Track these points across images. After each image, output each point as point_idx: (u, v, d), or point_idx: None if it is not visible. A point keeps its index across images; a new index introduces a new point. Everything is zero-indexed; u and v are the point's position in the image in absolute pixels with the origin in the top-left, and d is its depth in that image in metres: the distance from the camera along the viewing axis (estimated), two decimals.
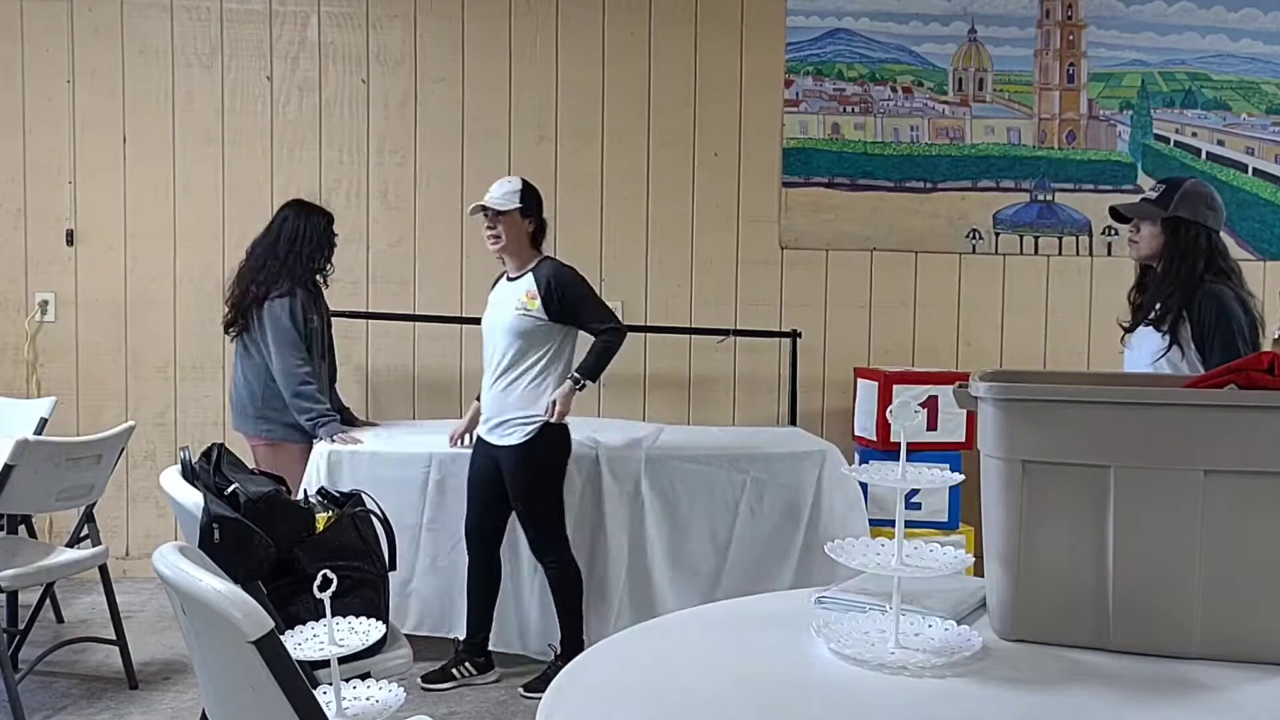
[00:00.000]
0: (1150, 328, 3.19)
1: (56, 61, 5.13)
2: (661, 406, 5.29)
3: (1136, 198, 3.76)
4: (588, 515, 4.10)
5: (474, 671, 3.93)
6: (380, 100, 5.22)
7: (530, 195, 3.83)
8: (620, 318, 3.98)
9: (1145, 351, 3.18)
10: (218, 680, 1.70)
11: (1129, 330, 3.30)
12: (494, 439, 3.82)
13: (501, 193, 3.80)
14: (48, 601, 4.27)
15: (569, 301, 3.77)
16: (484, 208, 3.79)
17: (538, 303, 3.74)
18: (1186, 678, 1.51)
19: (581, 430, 4.06)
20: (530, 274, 3.80)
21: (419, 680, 3.88)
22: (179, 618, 1.67)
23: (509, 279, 3.88)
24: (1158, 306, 3.19)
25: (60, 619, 4.45)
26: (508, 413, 3.78)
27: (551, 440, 3.78)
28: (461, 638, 3.99)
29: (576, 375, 3.76)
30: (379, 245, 5.22)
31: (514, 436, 3.75)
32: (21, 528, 4.17)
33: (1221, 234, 3.30)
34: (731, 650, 1.65)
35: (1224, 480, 1.52)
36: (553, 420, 3.73)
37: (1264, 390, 1.55)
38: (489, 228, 3.81)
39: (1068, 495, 1.58)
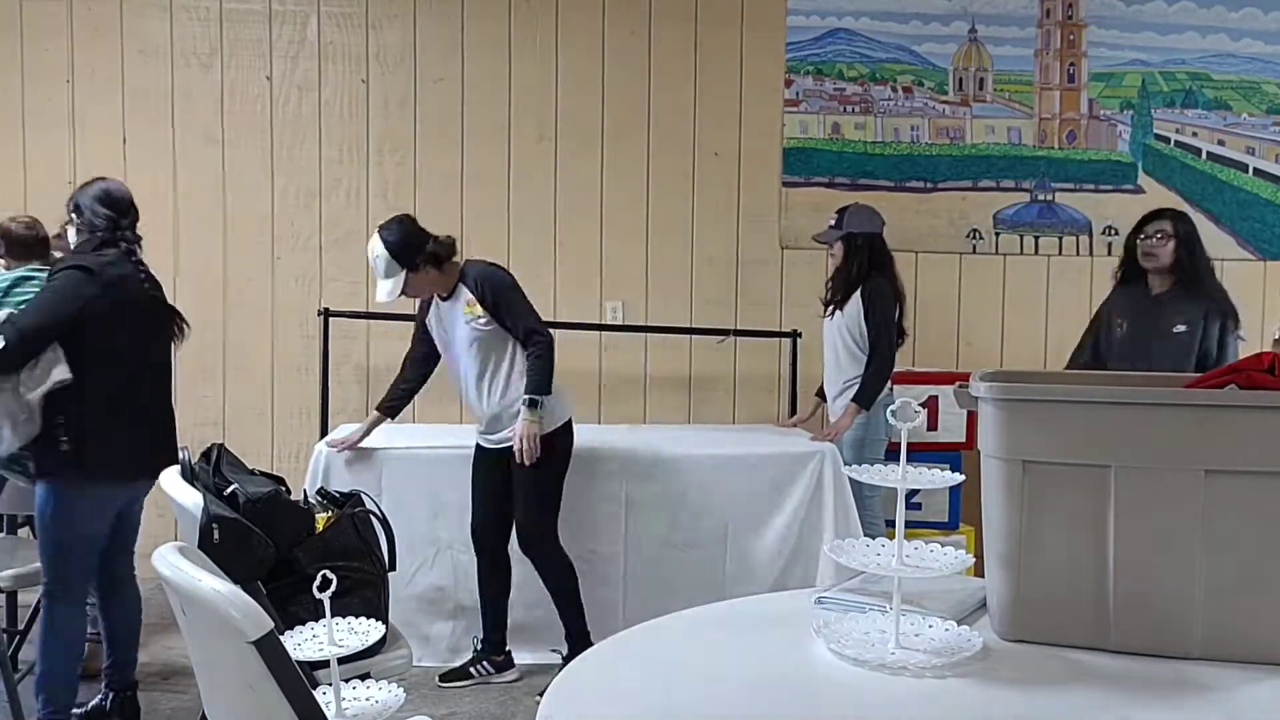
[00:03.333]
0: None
1: (56, 61, 5.13)
2: (661, 406, 5.29)
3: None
4: (585, 518, 4.10)
5: (492, 670, 3.93)
6: (380, 100, 5.22)
7: (403, 250, 3.66)
8: (545, 331, 3.76)
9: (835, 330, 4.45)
10: (218, 680, 1.70)
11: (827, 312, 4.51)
12: (493, 444, 3.83)
13: (381, 272, 3.68)
14: None
15: (495, 297, 3.71)
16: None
17: (478, 307, 3.71)
18: (1186, 678, 1.50)
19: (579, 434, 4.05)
20: (461, 285, 3.76)
21: (436, 679, 3.89)
22: (179, 618, 1.67)
23: (441, 299, 3.83)
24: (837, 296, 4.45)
25: None
26: (501, 416, 3.78)
27: (551, 431, 3.77)
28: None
29: (529, 398, 3.65)
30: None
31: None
32: (25, 529, 4.17)
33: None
34: (731, 650, 1.64)
35: (1224, 480, 1.52)
36: (528, 462, 3.65)
37: (1264, 390, 1.55)
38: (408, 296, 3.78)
39: (1068, 495, 1.58)
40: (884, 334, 4.33)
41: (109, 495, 3.30)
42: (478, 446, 3.90)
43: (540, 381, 3.67)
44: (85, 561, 3.29)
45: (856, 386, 4.33)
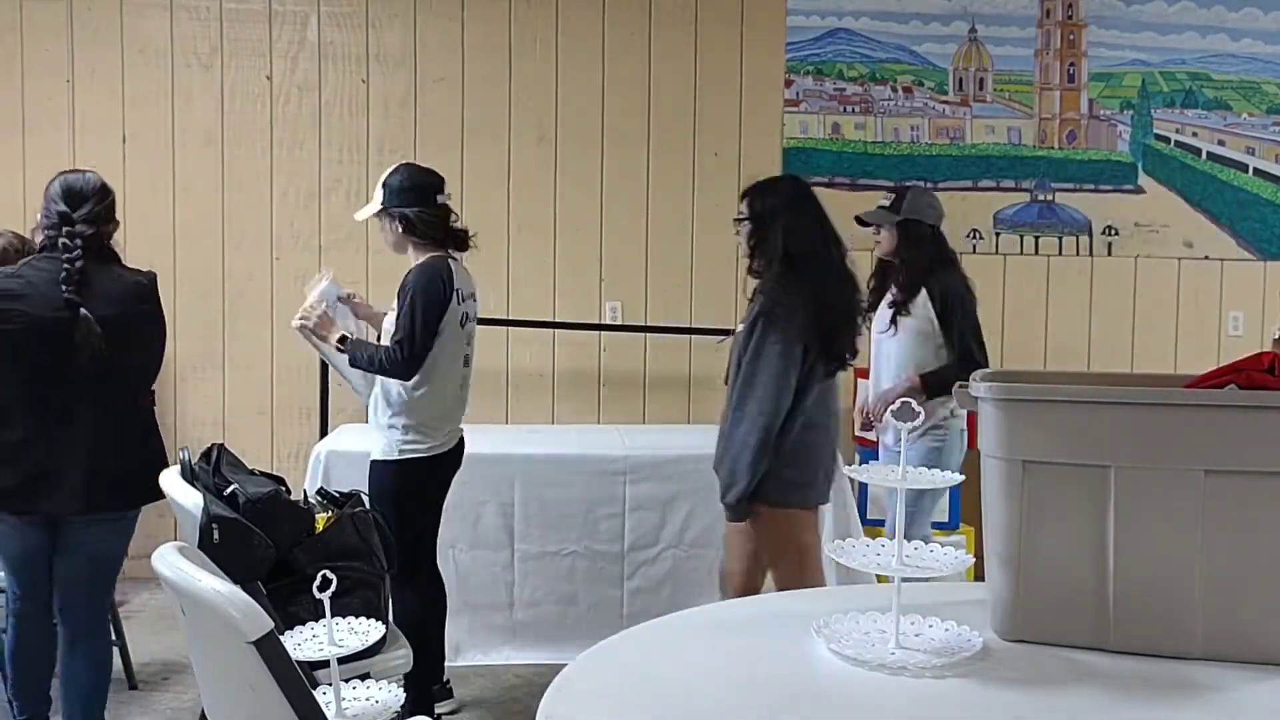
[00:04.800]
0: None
1: (56, 61, 5.13)
2: (661, 406, 5.29)
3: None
4: (585, 518, 4.10)
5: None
6: (380, 100, 5.22)
7: (388, 188, 3.34)
8: (401, 354, 3.25)
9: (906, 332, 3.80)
10: (217, 680, 1.70)
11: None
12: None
13: (375, 194, 3.40)
14: None
15: (401, 295, 3.32)
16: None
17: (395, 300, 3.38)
18: (1187, 678, 1.50)
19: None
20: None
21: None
22: (179, 618, 1.67)
23: None
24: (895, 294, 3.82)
25: None
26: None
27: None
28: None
29: (350, 341, 3.34)
30: (378, 245, 5.19)
31: None
32: None
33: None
34: (731, 650, 1.64)
35: (1224, 480, 1.52)
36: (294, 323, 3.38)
37: (1264, 390, 1.55)
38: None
39: (1068, 495, 1.58)
40: (973, 337, 3.72)
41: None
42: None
43: (366, 357, 3.30)
44: None
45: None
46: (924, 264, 3.74)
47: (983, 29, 5.42)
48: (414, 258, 3.39)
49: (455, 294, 3.35)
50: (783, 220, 3.08)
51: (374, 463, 3.37)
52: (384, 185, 3.37)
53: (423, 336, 3.25)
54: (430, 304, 3.27)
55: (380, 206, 3.37)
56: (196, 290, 5.14)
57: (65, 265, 2.88)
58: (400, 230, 3.36)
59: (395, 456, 3.33)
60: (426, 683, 3.40)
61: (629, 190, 5.28)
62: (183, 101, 5.17)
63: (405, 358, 3.24)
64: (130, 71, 5.15)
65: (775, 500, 3.03)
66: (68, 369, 2.88)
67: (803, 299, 2.99)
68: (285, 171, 5.20)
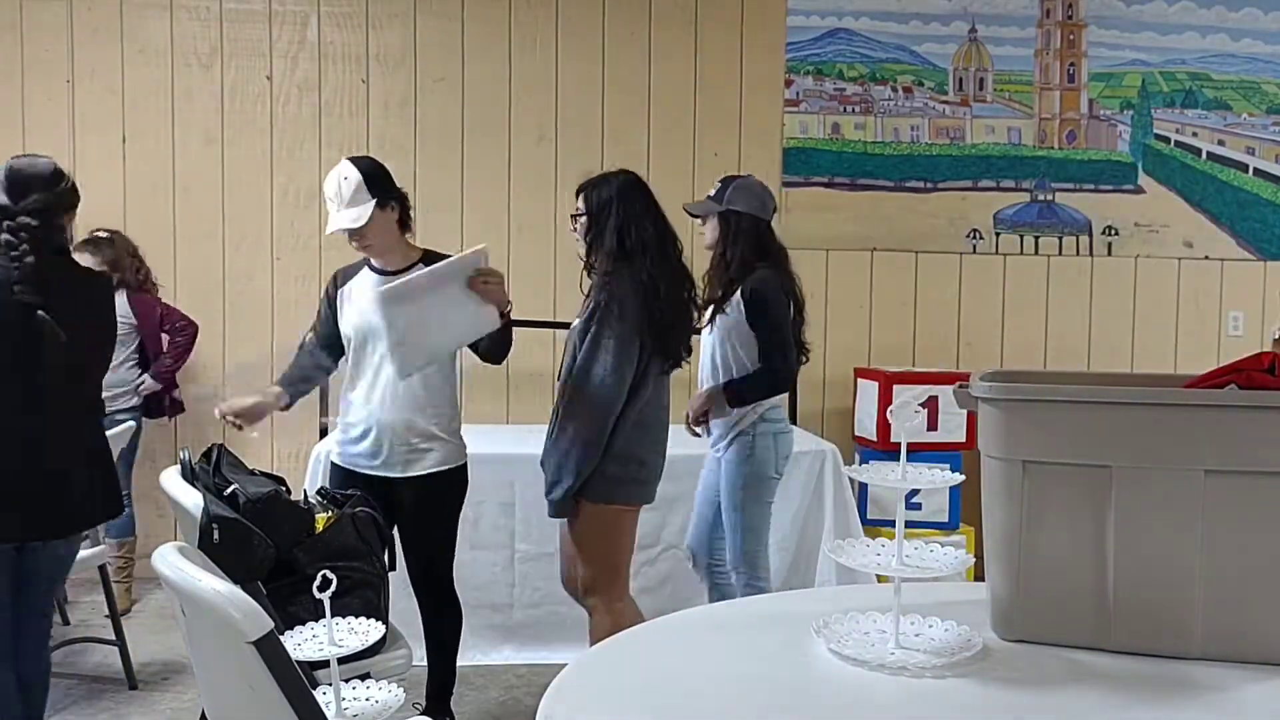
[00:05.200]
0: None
1: (56, 61, 5.13)
2: None
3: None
4: None
5: None
6: (380, 100, 5.22)
7: (374, 177, 3.04)
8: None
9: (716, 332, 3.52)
10: (217, 680, 1.70)
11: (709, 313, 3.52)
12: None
13: (346, 198, 3.00)
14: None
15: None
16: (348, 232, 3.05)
17: None
18: (1186, 678, 1.50)
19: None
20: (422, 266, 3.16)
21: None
22: (179, 618, 1.67)
23: (378, 271, 3.17)
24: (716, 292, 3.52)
25: (66, 620, 4.44)
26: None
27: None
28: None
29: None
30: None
31: None
32: None
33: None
34: (732, 650, 1.64)
35: (1224, 480, 1.52)
36: None
37: (1264, 390, 1.55)
38: (356, 243, 3.11)
39: (1068, 495, 1.58)
40: (775, 339, 3.41)
41: None
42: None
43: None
44: None
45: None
46: (741, 259, 3.47)
47: (983, 29, 5.42)
48: (403, 249, 3.15)
49: None
50: (616, 216, 3.01)
51: (437, 474, 3.14)
52: (365, 179, 3.01)
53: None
54: None
55: (372, 200, 3.01)
56: (196, 290, 5.14)
57: (15, 265, 2.56)
58: (398, 218, 3.12)
59: (462, 461, 3.22)
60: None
61: None
62: (183, 101, 5.17)
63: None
64: (130, 71, 5.16)
65: (599, 496, 2.99)
66: (25, 375, 2.61)
67: (636, 295, 2.92)
68: (285, 171, 5.20)
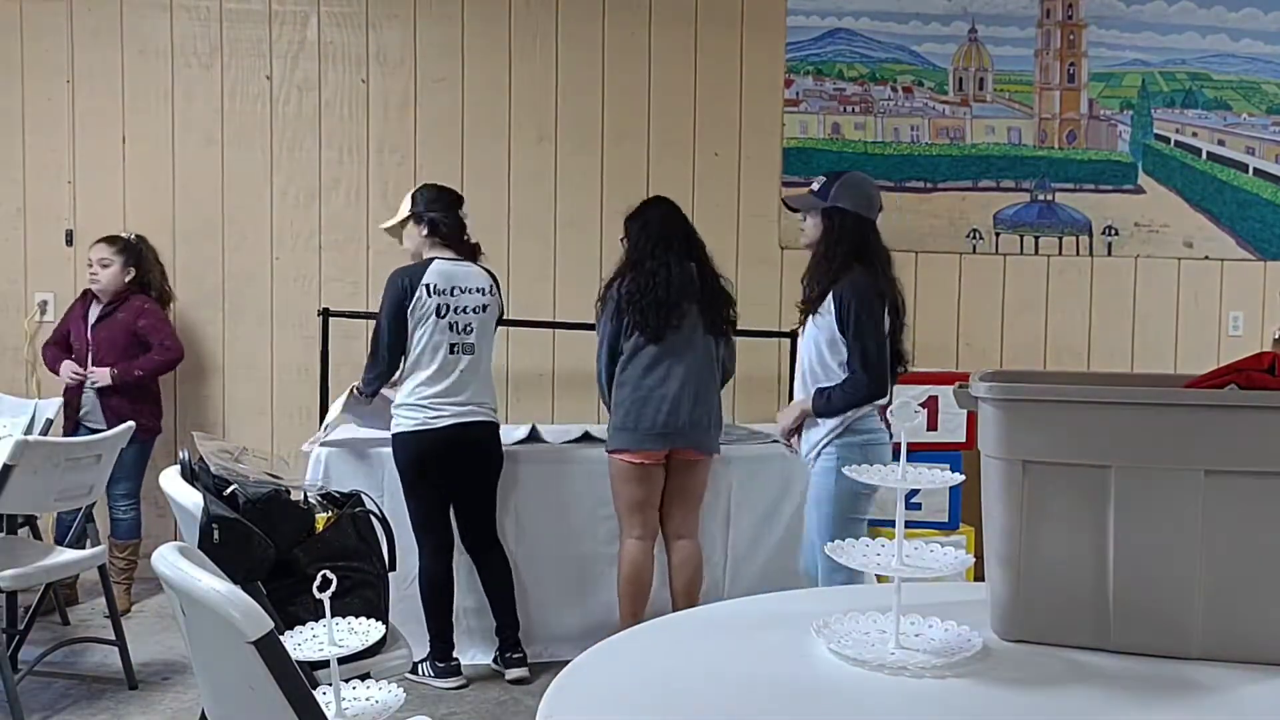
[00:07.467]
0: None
1: (56, 61, 5.13)
2: None
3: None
4: (585, 518, 4.10)
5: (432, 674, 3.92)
6: (380, 100, 5.22)
7: (418, 201, 4.01)
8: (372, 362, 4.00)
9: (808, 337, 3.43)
10: (217, 680, 1.70)
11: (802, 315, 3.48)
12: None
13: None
14: (51, 601, 4.28)
15: None
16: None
17: None
18: (1186, 678, 1.50)
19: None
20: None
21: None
22: (179, 618, 1.67)
23: None
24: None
25: (66, 620, 4.44)
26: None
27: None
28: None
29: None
30: (379, 245, 5.21)
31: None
32: (25, 529, 4.17)
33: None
34: (731, 650, 1.64)
35: (1224, 480, 1.52)
36: None
37: (1264, 390, 1.55)
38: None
39: (1068, 495, 1.58)
40: (865, 346, 3.26)
41: None
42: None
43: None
44: None
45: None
46: (843, 259, 3.32)
47: (983, 29, 5.42)
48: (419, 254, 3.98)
49: (424, 289, 3.81)
50: (629, 236, 3.97)
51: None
52: (413, 197, 3.98)
53: (385, 336, 3.88)
54: (385, 305, 3.87)
55: (409, 213, 3.95)
56: (196, 290, 5.14)
57: None
58: (425, 233, 3.91)
59: (391, 431, 3.88)
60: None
61: (629, 190, 5.25)
62: (183, 101, 5.17)
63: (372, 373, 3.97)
64: (130, 71, 5.15)
65: (609, 446, 3.90)
66: None
67: (619, 292, 3.88)
68: (285, 171, 5.20)
